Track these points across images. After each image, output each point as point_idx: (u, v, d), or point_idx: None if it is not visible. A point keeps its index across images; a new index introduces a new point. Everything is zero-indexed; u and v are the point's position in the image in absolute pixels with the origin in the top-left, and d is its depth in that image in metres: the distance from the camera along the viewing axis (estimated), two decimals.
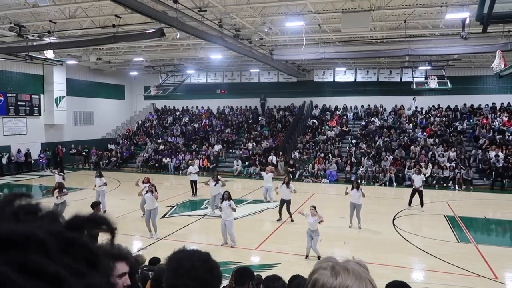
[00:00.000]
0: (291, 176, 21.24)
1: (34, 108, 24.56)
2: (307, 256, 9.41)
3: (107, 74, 29.81)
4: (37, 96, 24.74)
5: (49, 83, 25.03)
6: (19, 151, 23.33)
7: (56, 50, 18.08)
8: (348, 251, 9.95)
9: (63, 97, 25.57)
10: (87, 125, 28.85)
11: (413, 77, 22.56)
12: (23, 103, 23.88)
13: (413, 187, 14.64)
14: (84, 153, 26.81)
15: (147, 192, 10.97)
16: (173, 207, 14.79)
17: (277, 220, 12.85)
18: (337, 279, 1.08)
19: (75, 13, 14.32)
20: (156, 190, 11.10)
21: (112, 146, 27.92)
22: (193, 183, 16.76)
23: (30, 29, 16.24)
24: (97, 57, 22.47)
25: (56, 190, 11.95)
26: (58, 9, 14.12)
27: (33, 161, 23.96)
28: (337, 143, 24.12)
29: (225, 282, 5.07)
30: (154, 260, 6.70)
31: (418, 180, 14.40)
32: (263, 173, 16.82)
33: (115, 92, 31.46)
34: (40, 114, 24.95)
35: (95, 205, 9.34)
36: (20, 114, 23.66)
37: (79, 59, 23.00)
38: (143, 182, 12.81)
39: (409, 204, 14.67)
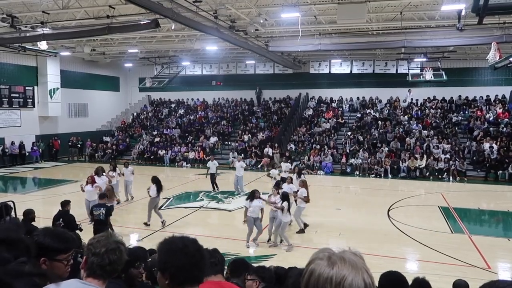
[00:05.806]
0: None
1: (28, 100, 24.33)
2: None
3: (101, 66, 29.55)
4: (31, 88, 24.51)
5: (43, 75, 24.78)
6: (13, 143, 23.18)
7: (50, 41, 17.87)
8: (344, 242, 10.03)
9: (57, 89, 25.35)
10: (82, 117, 28.66)
11: (408, 69, 22.57)
12: (17, 95, 23.65)
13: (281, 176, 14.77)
14: (78, 145, 26.71)
15: (87, 184, 11.19)
16: (169, 199, 14.79)
17: None
18: (333, 268, 1.09)
19: (69, 4, 14.15)
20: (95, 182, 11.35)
21: (107, 138, 27.81)
22: (212, 177, 16.06)
23: (23, 19, 16.00)
24: (91, 49, 22.27)
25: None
26: (51, 0, 13.95)
27: (27, 154, 23.84)
28: (332, 135, 24.18)
29: None
30: (150, 252, 6.73)
31: (285, 168, 14.83)
32: (235, 161, 16.22)
33: (110, 84, 31.23)
34: (34, 106, 24.74)
35: (66, 203, 8.31)
36: (13, 106, 23.44)
37: (73, 50, 22.78)
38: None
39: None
